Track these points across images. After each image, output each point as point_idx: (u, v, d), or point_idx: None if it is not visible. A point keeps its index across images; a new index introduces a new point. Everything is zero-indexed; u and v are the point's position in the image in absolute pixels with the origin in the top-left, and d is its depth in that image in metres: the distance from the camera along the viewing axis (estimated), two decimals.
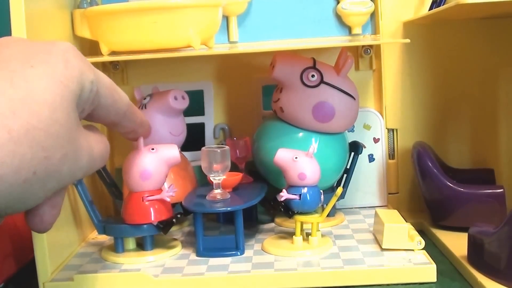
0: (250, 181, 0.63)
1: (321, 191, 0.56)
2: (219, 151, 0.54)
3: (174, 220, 0.54)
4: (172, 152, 0.54)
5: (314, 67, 0.58)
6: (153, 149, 0.54)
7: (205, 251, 0.54)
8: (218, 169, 0.54)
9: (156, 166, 0.53)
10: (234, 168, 0.61)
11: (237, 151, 0.63)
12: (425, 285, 0.48)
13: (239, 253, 0.54)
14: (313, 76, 0.58)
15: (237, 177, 0.59)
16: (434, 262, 0.49)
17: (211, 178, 0.55)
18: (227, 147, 0.54)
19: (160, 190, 0.54)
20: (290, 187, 0.55)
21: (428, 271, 0.49)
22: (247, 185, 0.61)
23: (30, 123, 0.30)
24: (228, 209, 0.53)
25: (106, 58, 0.56)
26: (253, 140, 0.63)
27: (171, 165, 0.55)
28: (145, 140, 0.53)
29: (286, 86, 0.59)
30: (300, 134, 0.59)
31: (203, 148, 0.55)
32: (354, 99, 0.59)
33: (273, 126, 0.61)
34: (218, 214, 0.63)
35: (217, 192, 0.55)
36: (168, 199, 0.54)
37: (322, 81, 0.58)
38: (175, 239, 0.58)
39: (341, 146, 0.61)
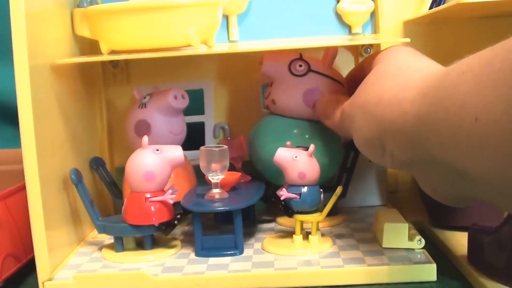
0: (248, 179, 0.63)
1: (321, 190, 0.56)
2: (217, 150, 0.54)
3: (176, 222, 0.54)
4: (176, 153, 0.54)
5: (301, 58, 0.60)
6: (157, 150, 0.53)
7: (204, 251, 0.54)
8: (217, 168, 0.54)
9: (160, 168, 0.53)
10: (231, 168, 0.60)
11: (232, 151, 0.63)
12: (425, 284, 0.48)
13: (238, 253, 0.54)
14: (300, 66, 0.59)
15: (235, 176, 0.59)
16: (434, 261, 0.49)
17: (209, 178, 0.55)
18: (225, 147, 0.54)
19: (162, 191, 0.54)
20: (290, 186, 0.55)
21: (428, 270, 0.48)
22: (245, 185, 0.61)
23: None
24: (227, 208, 0.53)
25: (106, 58, 0.56)
26: (249, 139, 0.63)
27: (175, 166, 0.54)
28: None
29: (276, 80, 0.60)
30: (294, 125, 0.60)
31: (201, 148, 0.54)
32: (343, 85, 0.60)
33: (266, 121, 0.62)
34: (216, 213, 0.63)
35: (215, 191, 0.55)
36: (171, 201, 0.54)
37: (309, 70, 0.59)
38: (175, 238, 0.58)
39: (335, 138, 0.61)
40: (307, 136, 0.59)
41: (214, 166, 0.54)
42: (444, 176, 0.39)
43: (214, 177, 0.54)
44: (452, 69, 0.36)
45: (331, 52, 0.60)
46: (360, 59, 0.68)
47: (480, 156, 0.32)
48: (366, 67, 0.53)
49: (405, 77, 0.42)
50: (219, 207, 0.53)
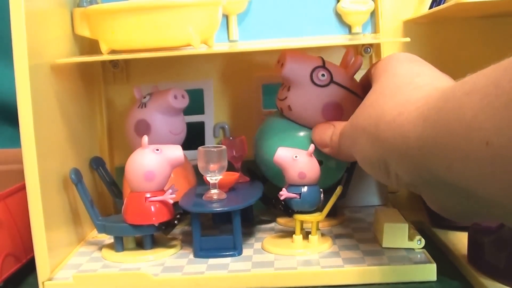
0: (247, 180, 0.63)
1: (321, 190, 0.56)
2: (215, 150, 0.54)
3: (176, 221, 0.54)
4: (176, 153, 0.54)
5: (323, 66, 0.58)
6: (157, 149, 0.53)
7: (203, 252, 0.54)
8: (215, 169, 0.54)
9: (160, 167, 0.53)
10: (230, 167, 0.60)
11: (233, 151, 0.63)
12: (425, 284, 0.48)
13: (236, 254, 0.53)
14: (323, 75, 0.57)
15: (234, 177, 0.59)
16: (434, 261, 0.49)
17: (207, 178, 0.55)
18: (223, 147, 0.54)
19: (162, 191, 0.54)
20: (290, 186, 0.55)
21: (428, 270, 0.48)
22: (244, 185, 0.61)
23: None
24: (226, 209, 0.53)
25: (106, 57, 0.56)
26: (254, 138, 0.63)
27: (175, 166, 0.54)
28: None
29: (295, 85, 0.58)
30: (304, 132, 0.59)
31: (199, 148, 0.54)
32: (362, 99, 0.59)
33: (276, 123, 0.61)
34: (215, 214, 0.63)
35: (213, 192, 0.55)
36: (171, 201, 0.54)
37: (332, 81, 0.57)
38: (175, 238, 0.58)
39: None
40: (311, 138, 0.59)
41: (212, 166, 0.54)
42: (453, 197, 0.38)
43: (212, 178, 0.54)
44: (454, 89, 0.34)
45: (357, 63, 0.58)
46: None
47: (493, 180, 0.31)
48: (369, 77, 0.52)
49: (403, 97, 0.41)
50: (217, 208, 0.53)
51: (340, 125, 0.52)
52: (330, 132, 0.53)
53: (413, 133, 0.37)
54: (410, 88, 0.42)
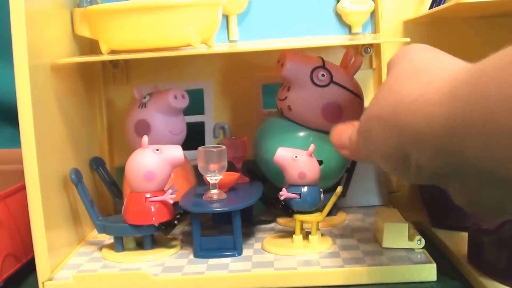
0: (246, 181, 0.63)
1: (321, 190, 0.56)
2: (215, 151, 0.54)
3: (175, 221, 0.54)
4: (176, 153, 0.54)
5: (323, 67, 0.58)
6: (157, 150, 0.53)
7: (203, 252, 0.54)
8: (215, 169, 0.54)
9: (160, 167, 0.53)
10: (231, 167, 0.60)
11: (235, 151, 0.63)
12: (425, 284, 0.48)
13: (236, 254, 0.53)
14: (323, 75, 0.57)
15: (234, 177, 0.59)
16: (434, 261, 0.49)
17: (207, 178, 0.55)
18: (223, 147, 0.54)
19: (162, 191, 0.54)
20: (290, 186, 0.55)
21: (428, 270, 0.49)
22: (244, 185, 0.61)
23: None
24: (226, 209, 0.53)
25: (106, 57, 0.56)
26: (255, 138, 0.63)
27: (175, 166, 0.54)
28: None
29: (295, 85, 0.58)
30: (303, 133, 0.59)
31: (199, 148, 0.54)
32: (361, 99, 0.59)
33: (276, 124, 0.61)
34: (215, 214, 0.63)
35: (213, 192, 0.55)
36: (171, 201, 0.54)
37: (331, 81, 0.58)
38: (175, 238, 0.58)
39: None
40: (312, 139, 0.59)
41: (212, 166, 0.54)
42: (487, 185, 0.34)
43: (212, 178, 0.54)
44: (490, 61, 0.31)
45: (357, 63, 0.58)
46: None
47: None
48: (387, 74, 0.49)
49: (425, 79, 0.37)
50: (217, 208, 0.53)
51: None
52: (349, 132, 0.49)
53: (439, 115, 0.33)
54: (431, 69, 0.38)
